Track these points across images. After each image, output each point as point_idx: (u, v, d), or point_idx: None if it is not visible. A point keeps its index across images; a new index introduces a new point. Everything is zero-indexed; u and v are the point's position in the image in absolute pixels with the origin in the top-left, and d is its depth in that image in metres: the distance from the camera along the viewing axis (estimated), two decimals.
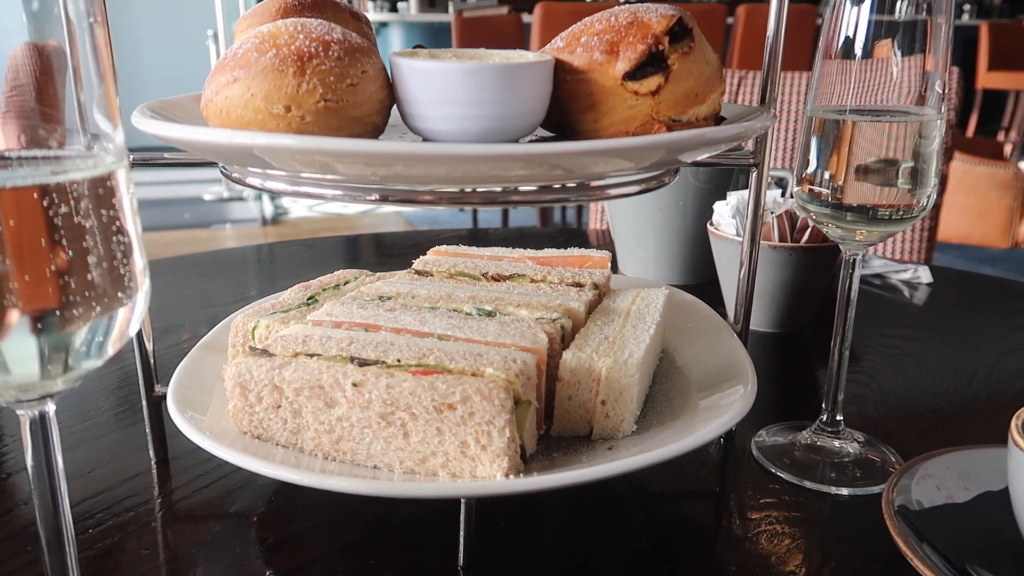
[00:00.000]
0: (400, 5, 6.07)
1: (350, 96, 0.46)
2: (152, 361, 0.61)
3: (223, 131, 0.44)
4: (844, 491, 0.60)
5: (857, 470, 0.63)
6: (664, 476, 0.63)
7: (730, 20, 4.51)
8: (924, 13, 0.55)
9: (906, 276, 1.12)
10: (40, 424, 0.34)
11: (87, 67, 0.31)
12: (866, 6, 0.55)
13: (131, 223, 0.33)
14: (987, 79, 5.53)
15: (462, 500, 0.50)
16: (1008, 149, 5.31)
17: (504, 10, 4.65)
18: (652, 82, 0.48)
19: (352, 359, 0.51)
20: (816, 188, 0.58)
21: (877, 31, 0.55)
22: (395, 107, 0.50)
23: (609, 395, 0.54)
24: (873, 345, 0.89)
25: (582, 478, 0.47)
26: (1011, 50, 5.49)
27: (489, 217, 4.49)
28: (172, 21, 6.45)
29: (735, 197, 0.92)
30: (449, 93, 0.46)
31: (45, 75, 0.31)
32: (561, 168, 0.46)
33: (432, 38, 5.41)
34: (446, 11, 5.69)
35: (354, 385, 0.49)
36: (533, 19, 3.65)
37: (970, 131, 5.80)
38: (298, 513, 0.57)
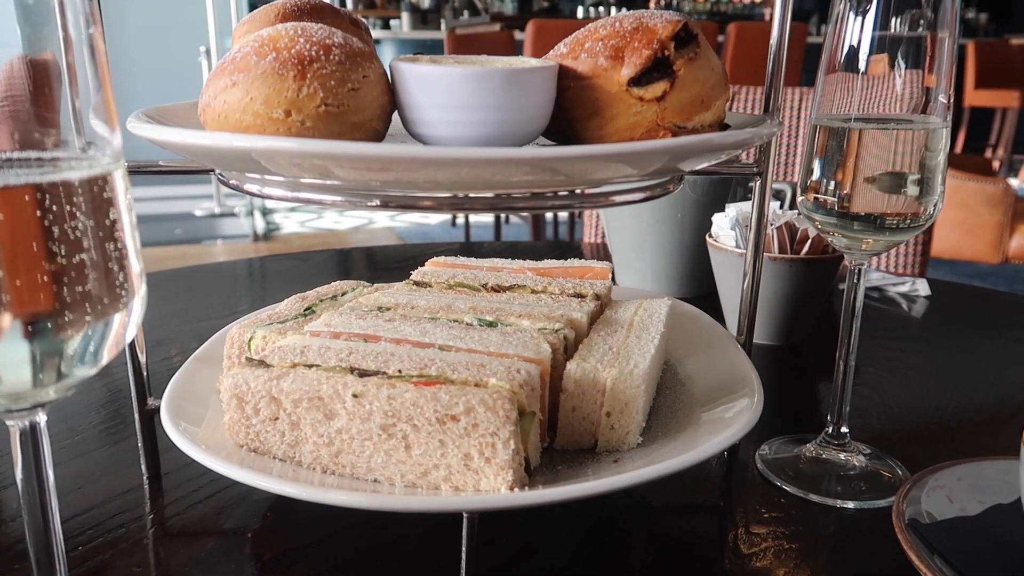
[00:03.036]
0: (393, 22, 6.10)
1: (351, 101, 0.45)
2: (145, 373, 0.60)
3: (221, 134, 0.43)
4: (851, 504, 0.59)
5: (863, 483, 0.62)
6: (667, 490, 0.62)
7: (721, 38, 4.55)
8: (928, 27, 0.54)
9: (904, 289, 1.11)
10: (31, 435, 0.32)
11: (85, 74, 0.30)
12: (869, 19, 0.55)
13: (127, 226, 0.32)
14: (974, 97, 5.60)
15: (464, 514, 0.49)
16: (996, 165, 5.36)
17: (496, 27, 4.68)
18: (657, 88, 0.48)
19: (352, 370, 0.50)
20: (822, 197, 0.58)
21: (881, 44, 0.55)
22: (395, 115, 0.49)
23: (614, 406, 0.53)
24: (874, 358, 0.88)
25: (588, 491, 0.45)
26: (997, 68, 5.57)
27: (481, 232, 4.49)
28: (164, 38, 6.45)
29: (734, 209, 0.92)
30: (452, 98, 0.46)
31: (42, 83, 0.30)
32: (564, 174, 0.45)
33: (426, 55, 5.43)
34: (438, 28, 5.72)
35: (354, 396, 0.47)
36: (525, 36, 3.67)
37: (958, 148, 5.85)
38: (296, 529, 0.55)
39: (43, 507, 0.33)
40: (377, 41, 5.62)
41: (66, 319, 0.29)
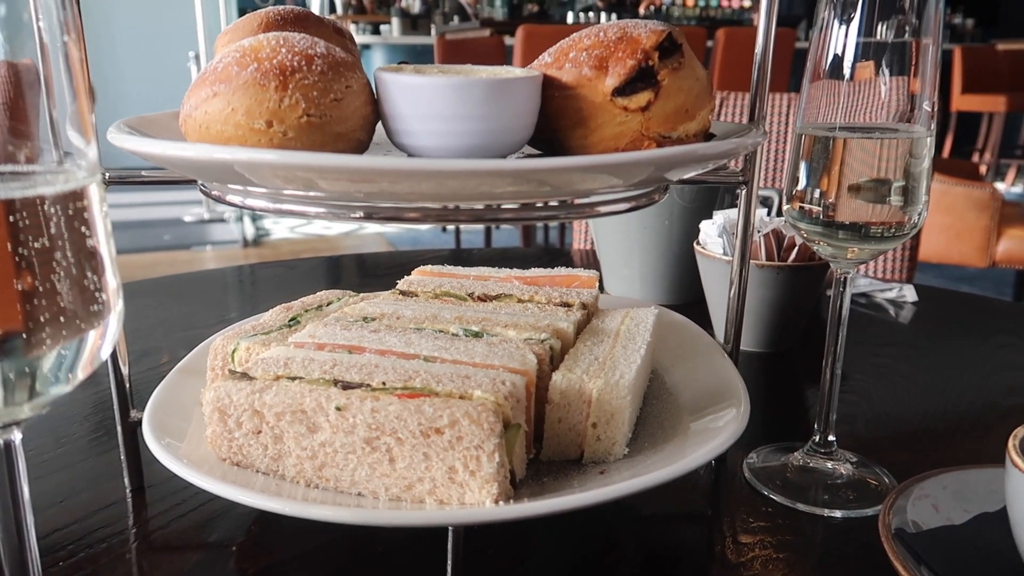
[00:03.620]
0: (383, 28, 6.10)
1: (334, 111, 0.45)
2: (128, 385, 0.59)
3: (202, 146, 0.42)
4: (838, 513, 0.59)
5: (850, 492, 0.62)
6: (654, 500, 0.61)
7: (710, 43, 4.56)
8: (912, 33, 0.54)
9: (891, 295, 1.12)
10: (5, 454, 0.32)
11: (60, 84, 0.30)
12: (854, 26, 0.55)
13: (103, 241, 0.32)
14: (961, 102, 5.63)
15: (450, 528, 0.48)
16: (983, 170, 5.40)
17: (486, 32, 4.68)
18: (642, 98, 0.48)
19: (335, 382, 0.49)
20: (807, 206, 0.58)
21: (865, 51, 0.55)
22: (379, 125, 0.49)
23: (600, 417, 0.53)
24: (861, 364, 0.89)
25: (574, 504, 0.45)
26: (984, 73, 5.60)
27: (472, 238, 4.49)
28: (153, 43, 6.43)
29: (722, 216, 0.92)
30: (436, 108, 0.45)
31: (17, 93, 0.30)
32: (549, 185, 0.45)
33: (414, 61, 5.42)
34: (428, 34, 5.72)
35: (338, 409, 0.47)
36: (515, 42, 3.68)
37: (946, 152, 5.89)
38: (279, 543, 0.55)
39: (18, 525, 0.33)
40: (367, 46, 5.64)
41: (39, 337, 0.28)
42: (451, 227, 4.59)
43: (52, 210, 0.29)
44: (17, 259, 0.28)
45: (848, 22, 0.55)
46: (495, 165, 0.41)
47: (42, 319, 0.28)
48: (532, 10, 7.43)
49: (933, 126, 0.56)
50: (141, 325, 0.98)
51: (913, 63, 0.55)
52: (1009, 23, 7.64)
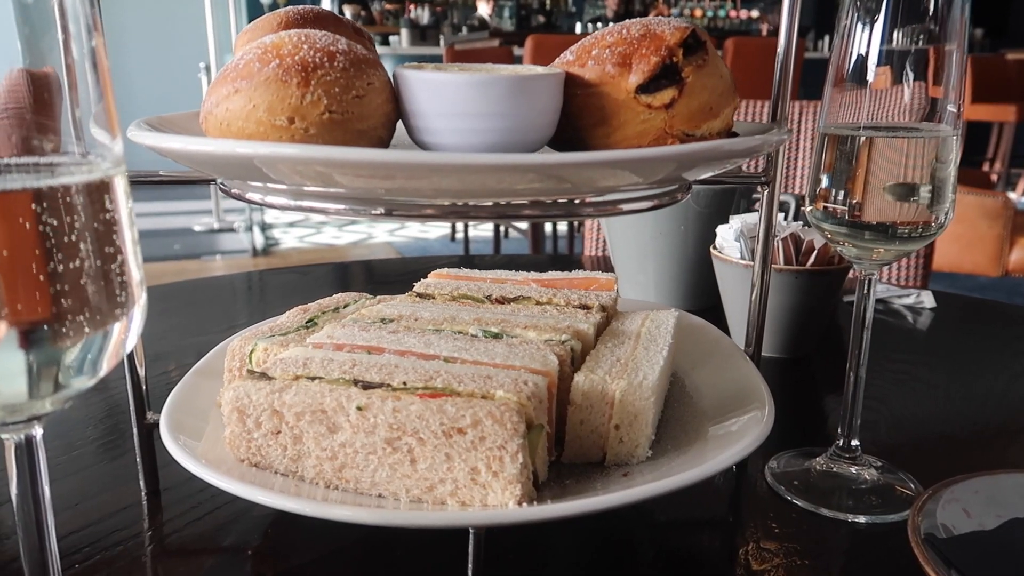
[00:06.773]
0: (392, 38, 6.14)
1: (355, 108, 0.44)
2: (144, 387, 0.59)
3: (223, 141, 0.42)
4: (863, 519, 0.58)
5: (875, 497, 0.61)
6: (675, 504, 0.60)
7: (719, 53, 4.57)
8: (936, 38, 0.54)
9: (909, 301, 1.11)
10: (26, 449, 0.31)
11: (85, 83, 0.30)
12: (877, 31, 0.54)
13: (127, 233, 0.31)
14: (971, 111, 5.62)
15: (471, 530, 0.47)
16: (994, 179, 5.37)
17: (495, 43, 4.69)
18: (666, 95, 0.47)
19: (356, 382, 0.49)
20: (831, 206, 0.57)
21: (888, 56, 0.54)
22: (399, 124, 0.49)
23: (623, 419, 0.52)
24: (881, 370, 0.87)
25: (598, 506, 0.44)
26: (993, 83, 5.59)
27: (480, 247, 4.49)
28: (164, 55, 6.48)
29: (738, 220, 0.91)
30: (458, 105, 0.45)
31: (43, 92, 0.30)
32: (570, 181, 0.44)
33: None
34: (437, 44, 5.75)
35: (358, 409, 0.46)
36: (524, 52, 3.68)
37: None
38: (297, 546, 0.54)
39: (39, 524, 0.32)
40: None
41: (64, 328, 0.28)
42: (460, 236, 4.59)
43: (76, 200, 0.29)
44: (42, 248, 0.27)
45: (871, 26, 0.55)
46: (517, 160, 0.41)
47: (68, 310, 0.28)
48: (540, 21, 7.46)
49: (959, 126, 0.55)
50: (151, 331, 0.98)
51: (937, 68, 0.54)
52: (1018, 32, 7.63)
